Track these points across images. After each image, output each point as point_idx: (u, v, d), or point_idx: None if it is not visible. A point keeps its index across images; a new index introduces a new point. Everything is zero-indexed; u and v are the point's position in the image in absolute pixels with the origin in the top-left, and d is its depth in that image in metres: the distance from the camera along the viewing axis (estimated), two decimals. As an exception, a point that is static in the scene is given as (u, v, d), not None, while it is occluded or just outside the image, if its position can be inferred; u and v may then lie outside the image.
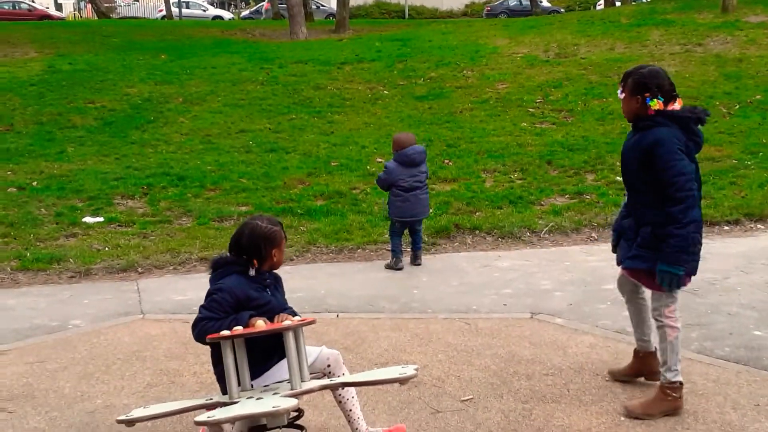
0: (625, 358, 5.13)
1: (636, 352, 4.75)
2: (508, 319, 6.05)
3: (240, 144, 13.13)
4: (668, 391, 4.32)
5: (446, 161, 11.70)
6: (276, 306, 3.84)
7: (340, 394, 3.94)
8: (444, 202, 9.62)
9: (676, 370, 4.32)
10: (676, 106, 4.29)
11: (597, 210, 9.18)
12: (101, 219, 9.25)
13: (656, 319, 4.37)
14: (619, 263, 4.57)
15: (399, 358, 5.31)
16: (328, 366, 3.92)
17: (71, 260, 7.76)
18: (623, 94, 4.34)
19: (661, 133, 4.19)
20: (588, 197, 9.79)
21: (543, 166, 11.26)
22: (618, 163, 11.25)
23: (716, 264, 7.17)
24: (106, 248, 8.18)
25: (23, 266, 7.62)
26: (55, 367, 5.26)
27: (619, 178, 10.65)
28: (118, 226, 9.10)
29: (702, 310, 6.11)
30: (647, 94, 4.23)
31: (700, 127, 4.38)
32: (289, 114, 15.07)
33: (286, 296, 4.12)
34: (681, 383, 4.35)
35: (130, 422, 3.70)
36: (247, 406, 3.37)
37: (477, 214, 9.21)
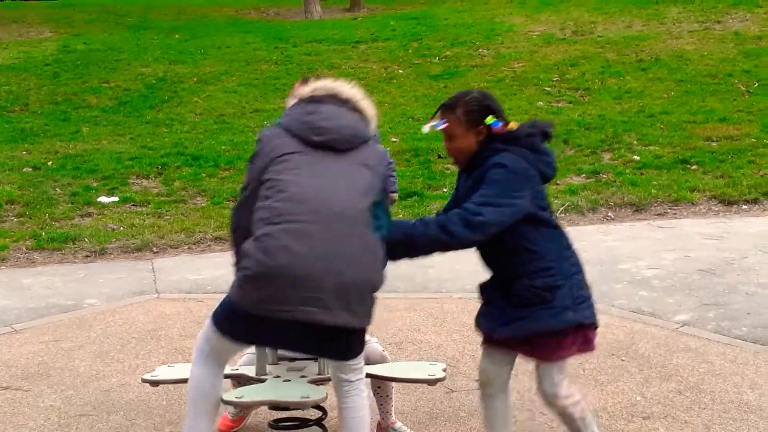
0: (641, 339, 5.10)
1: None
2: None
3: (254, 123, 13.09)
4: None
5: (461, 140, 11.63)
6: None
7: (378, 384, 3.85)
8: (459, 181, 9.56)
9: None
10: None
11: (613, 189, 9.10)
12: (116, 199, 9.27)
13: (558, 407, 3.39)
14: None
15: (414, 338, 5.29)
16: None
17: (86, 240, 7.78)
18: (445, 126, 3.26)
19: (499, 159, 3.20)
20: (604, 176, 9.71)
21: (559, 145, 11.16)
22: (636, 142, 11.21)
23: (734, 243, 7.10)
24: (121, 228, 8.20)
25: (39, 245, 7.65)
26: (71, 345, 5.28)
27: (637, 157, 10.60)
28: (133, 205, 9.11)
29: (719, 289, 6.05)
30: (491, 117, 3.24)
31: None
32: (304, 93, 15.00)
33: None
34: None
35: (155, 383, 3.72)
36: (277, 389, 3.34)
37: (492, 193, 9.15)
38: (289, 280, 2.82)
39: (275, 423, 3.62)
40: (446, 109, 3.26)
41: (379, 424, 3.95)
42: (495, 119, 3.21)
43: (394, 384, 3.89)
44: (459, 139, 3.25)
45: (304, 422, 3.55)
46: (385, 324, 5.51)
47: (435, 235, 3.10)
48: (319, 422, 3.54)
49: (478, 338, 5.18)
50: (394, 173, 5.15)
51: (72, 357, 5.08)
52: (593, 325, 3.26)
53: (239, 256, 2.95)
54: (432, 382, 3.63)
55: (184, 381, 3.53)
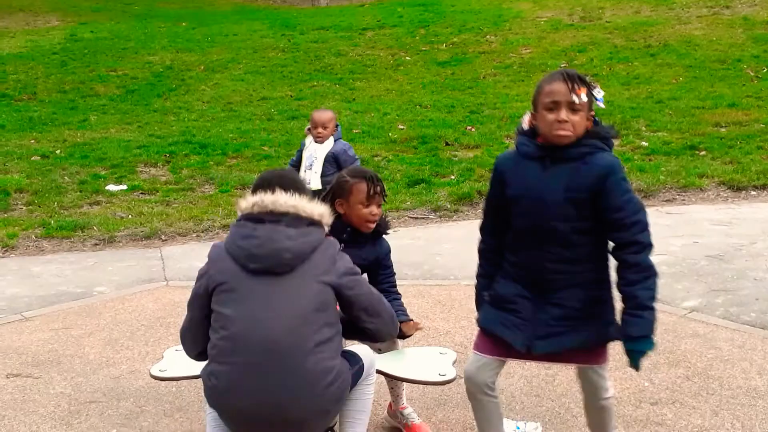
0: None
1: None
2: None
3: (261, 111, 13.10)
4: None
5: (469, 127, 11.61)
6: None
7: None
8: (467, 168, 9.56)
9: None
10: None
11: (621, 175, 9.07)
12: (124, 187, 9.30)
13: (605, 399, 3.26)
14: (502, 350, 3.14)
15: (422, 324, 5.29)
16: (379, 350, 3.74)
17: (95, 228, 7.80)
18: (583, 100, 2.97)
19: (612, 159, 3.03)
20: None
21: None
22: (644, 128, 11.16)
23: (743, 229, 7.08)
24: (130, 216, 8.22)
25: (48, 234, 7.68)
26: (80, 333, 5.30)
27: (645, 143, 10.55)
28: (141, 193, 9.13)
29: (728, 275, 6.04)
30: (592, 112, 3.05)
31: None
32: (311, 81, 15.00)
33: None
34: None
35: (162, 379, 3.73)
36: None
37: (500, 180, 9.14)
38: (241, 417, 2.95)
39: None
40: (575, 79, 2.98)
41: (390, 405, 3.96)
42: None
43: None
44: (582, 115, 2.97)
45: None
46: (393, 311, 5.52)
47: (648, 290, 2.93)
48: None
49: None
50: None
51: (82, 344, 5.10)
52: None
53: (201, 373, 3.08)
54: (442, 384, 3.58)
55: (192, 378, 3.54)
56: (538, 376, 4.46)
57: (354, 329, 3.18)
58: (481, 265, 3.38)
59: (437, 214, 8.22)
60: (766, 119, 11.09)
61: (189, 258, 6.97)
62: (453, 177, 9.33)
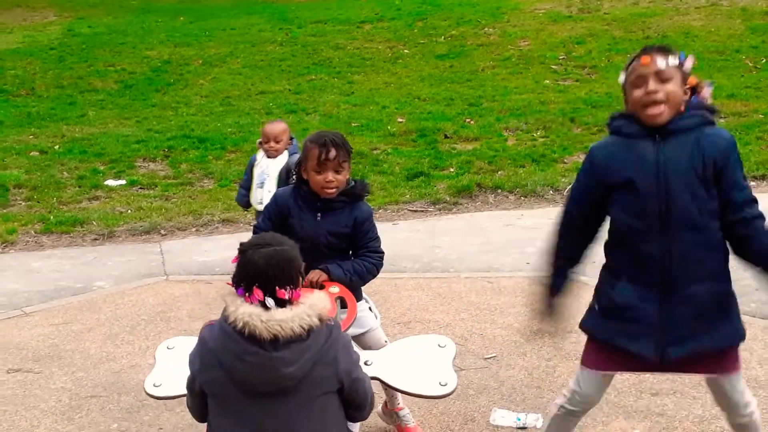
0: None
1: None
2: (531, 277, 6.01)
3: (260, 105, 13.07)
4: None
5: (468, 120, 11.59)
6: None
7: None
8: (466, 161, 9.55)
9: None
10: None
11: (621, 167, 9.07)
12: (123, 182, 9.29)
13: (747, 416, 2.99)
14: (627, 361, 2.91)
15: (422, 317, 5.30)
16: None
17: (94, 223, 7.80)
18: (673, 64, 2.77)
19: (728, 133, 2.84)
20: (611, 154, 9.67)
21: (566, 124, 11.13)
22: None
23: (742, 220, 7.08)
24: (129, 211, 8.21)
25: (47, 229, 7.67)
26: (81, 328, 5.31)
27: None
28: (140, 188, 9.12)
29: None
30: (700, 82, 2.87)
31: None
32: (309, 74, 14.97)
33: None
34: None
35: (158, 398, 3.56)
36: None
37: (499, 173, 9.14)
38: None
39: None
40: (661, 49, 2.80)
41: (384, 404, 3.92)
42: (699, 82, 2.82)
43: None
44: (675, 84, 2.76)
45: None
46: (393, 304, 5.52)
47: None
48: None
49: (486, 317, 5.21)
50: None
51: (82, 339, 5.11)
52: None
53: None
54: (444, 396, 3.37)
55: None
56: (539, 368, 4.46)
57: None
58: (556, 265, 3.13)
59: (436, 206, 8.21)
60: (765, 110, 11.08)
61: (188, 252, 6.97)
62: (452, 170, 9.32)
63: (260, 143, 5.83)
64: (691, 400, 4.00)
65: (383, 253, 3.68)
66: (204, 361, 2.66)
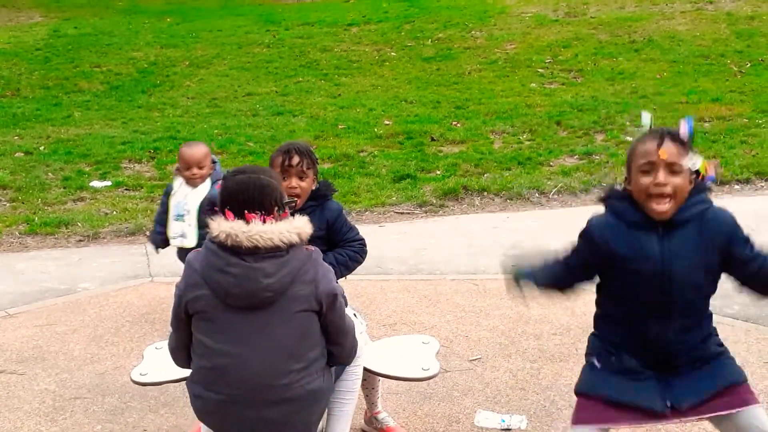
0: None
1: None
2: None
3: (247, 107, 13.06)
4: None
5: (454, 123, 11.62)
6: None
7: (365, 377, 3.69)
8: (452, 164, 9.57)
9: None
10: None
11: (606, 170, 9.12)
12: (109, 183, 9.26)
13: None
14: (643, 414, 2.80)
15: (408, 319, 5.31)
16: None
17: (79, 224, 7.76)
18: (685, 163, 2.72)
19: (724, 210, 2.87)
20: (597, 157, 9.72)
21: (552, 127, 11.17)
22: (629, 123, 11.20)
23: (726, 223, 7.12)
24: (114, 212, 8.18)
25: (32, 230, 7.63)
26: (65, 329, 5.28)
27: (630, 138, 10.55)
28: (126, 190, 9.09)
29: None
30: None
31: None
32: (296, 77, 14.96)
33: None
34: None
35: (143, 384, 3.63)
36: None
37: (485, 175, 9.16)
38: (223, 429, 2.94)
39: None
40: (675, 138, 2.72)
41: (365, 413, 3.91)
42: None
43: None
44: (685, 177, 2.70)
45: None
46: (379, 306, 5.53)
47: None
48: None
49: (471, 319, 5.23)
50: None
51: (66, 341, 5.08)
52: None
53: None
54: (426, 379, 3.56)
55: (175, 381, 3.50)
56: (523, 370, 4.48)
57: None
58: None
59: (423, 209, 8.22)
60: (750, 114, 11.16)
61: (173, 254, 6.93)
62: (439, 172, 9.34)
63: (178, 170, 5.06)
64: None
65: (363, 239, 3.75)
66: (190, 281, 2.83)
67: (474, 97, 13.01)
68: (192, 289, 2.81)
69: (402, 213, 8.12)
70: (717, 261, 2.77)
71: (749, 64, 13.87)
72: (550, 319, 5.16)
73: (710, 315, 2.90)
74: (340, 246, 3.68)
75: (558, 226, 7.35)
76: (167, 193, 5.12)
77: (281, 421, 2.86)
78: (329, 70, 15.39)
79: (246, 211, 2.76)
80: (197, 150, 4.97)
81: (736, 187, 8.59)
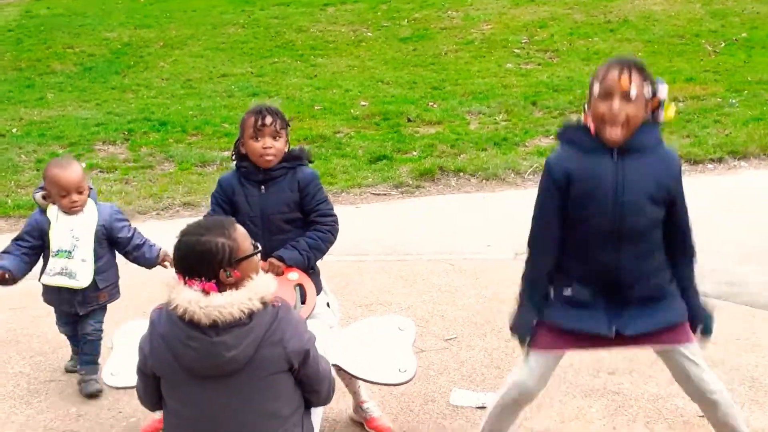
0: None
1: None
2: (491, 259, 6.06)
3: (222, 88, 12.97)
4: None
5: (431, 103, 11.60)
6: None
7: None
8: (428, 144, 9.56)
9: None
10: None
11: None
12: (83, 165, 9.16)
13: (715, 392, 3.08)
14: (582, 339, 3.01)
15: (384, 299, 5.32)
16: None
17: (53, 207, 7.69)
18: (638, 91, 2.81)
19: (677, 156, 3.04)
20: (572, 138, 9.74)
21: (528, 108, 11.18)
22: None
23: (700, 202, 7.17)
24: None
25: (4, 213, 7.57)
26: (39, 313, 5.22)
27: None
28: (100, 172, 9.03)
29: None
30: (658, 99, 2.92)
31: None
32: (272, 57, 14.86)
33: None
34: None
35: (116, 388, 3.55)
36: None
37: (461, 156, 9.17)
38: None
39: None
40: (633, 66, 2.84)
41: (353, 404, 3.86)
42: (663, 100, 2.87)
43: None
44: (638, 104, 2.82)
45: None
46: (356, 287, 5.54)
47: None
48: None
49: (447, 299, 5.25)
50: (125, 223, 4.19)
51: (40, 324, 5.05)
52: None
53: None
54: (402, 383, 3.43)
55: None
56: (498, 349, 4.51)
57: None
58: (531, 297, 3.05)
59: (399, 190, 8.23)
60: (723, 93, 11.22)
61: (148, 236, 6.90)
62: (415, 153, 9.33)
63: (46, 197, 4.13)
64: (647, 378, 4.07)
65: (335, 216, 3.70)
66: (153, 345, 2.72)
67: (450, 78, 12.99)
68: (156, 353, 2.72)
69: (378, 194, 8.12)
70: (664, 196, 2.89)
71: (723, 44, 13.93)
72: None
73: (662, 249, 2.96)
74: (312, 217, 3.61)
75: (533, 206, 7.39)
76: (37, 226, 4.16)
77: None
78: (305, 50, 15.30)
79: (186, 278, 2.67)
80: (73, 172, 4.06)
81: (710, 166, 8.65)
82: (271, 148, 3.51)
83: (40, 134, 10.32)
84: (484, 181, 8.43)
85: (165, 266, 4.34)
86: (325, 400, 2.98)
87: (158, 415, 3.68)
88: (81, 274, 4.12)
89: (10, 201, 7.83)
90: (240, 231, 2.76)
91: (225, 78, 13.67)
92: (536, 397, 3.15)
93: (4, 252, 4.16)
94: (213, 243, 2.66)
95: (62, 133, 10.35)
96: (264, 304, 2.67)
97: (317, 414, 3.14)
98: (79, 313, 4.22)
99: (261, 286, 2.68)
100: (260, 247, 2.85)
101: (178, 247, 2.72)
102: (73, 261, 4.09)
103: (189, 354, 2.64)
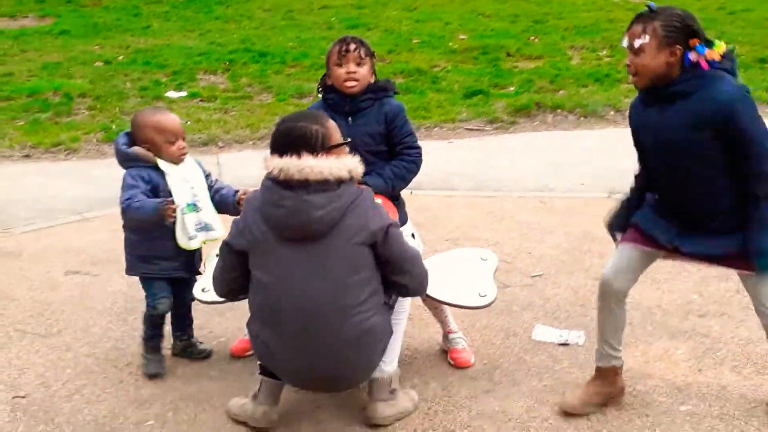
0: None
1: (604, 370, 3.33)
2: (584, 198, 5.96)
3: (322, 20, 12.99)
4: None
5: (532, 38, 11.35)
6: None
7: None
8: (527, 80, 9.38)
9: None
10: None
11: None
12: (184, 93, 9.39)
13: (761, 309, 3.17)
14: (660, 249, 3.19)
15: (471, 234, 5.31)
16: None
17: (155, 133, 7.92)
18: (642, 41, 2.92)
19: (732, 89, 2.90)
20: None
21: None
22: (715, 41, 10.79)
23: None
24: (188, 122, 8.31)
25: (109, 138, 7.81)
26: (137, 234, 5.43)
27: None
28: (201, 101, 9.22)
29: None
30: (695, 41, 2.91)
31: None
32: (373, -9, 14.77)
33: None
34: None
35: (207, 303, 3.65)
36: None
37: (560, 92, 8.97)
38: (290, 376, 3.09)
39: None
40: (643, 19, 2.94)
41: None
42: (700, 44, 2.90)
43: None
44: (648, 55, 2.92)
45: None
46: (443, 221, 5.53)
47: None
48: None
49: (536, 236, 5.20)
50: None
51: (139, 245, 5.23)
52: None
53: None
54: (482, 307, 3.50)
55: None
56: (585, 287, 4.45)
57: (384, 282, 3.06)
58: (627, 200, 3.36)
59: (493, 125, 8.12)
60: None
61: (245, 165, 7.04)
62: (512, 88, 9.17)
63: (150, 147, 3.61)
64: (738, 322, 3.95)
65: (420, 148, 3.69)
66: (248, 218, 2.97)
67: (554, 11, 12.67)
68: (248, 225, 2.95)
69: (472, 129, 8.04)
70: (708, 136, 2.90)
71: None
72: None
73: (733, 189, 2.98)
74: (398, 148, 3.63)
75: (632, 145, 7.18)
76: (150, 180, 3.60)
77: (338, 359, 2.94)
78: (407, -18, 15.13)
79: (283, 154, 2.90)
80: (175, 117, 3.79)
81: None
82: (355, 72, 3.52)
83: (145, 62, 10.59)
84: (582, 118, 8.23)
85: (239, 204, 3.67)
86: (419, 286, 3.12)
87: (245, 335, 3.85)
88: (216, 223, 3.72)
89: (114, 126, 8.09)
90: (332, 123, 3.03)
91: (326, 9, 13.69)
92: (615, 292, 3.21)
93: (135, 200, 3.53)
94: (308, 128, 2.91)
95: (166, 62, 10.59)
96: (351, 176, 2.90)
97: (400, 325, 3.25)
98: (193, 274, 3.76)
99: (351, 163, 2.92)
100: (350, 140, 3.11)
101: (276, 131, 2.98)
102: (203, 212, 3.68)
103: (280, 213, 2.87)
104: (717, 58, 2.93)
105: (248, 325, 3.09)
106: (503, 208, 5.77)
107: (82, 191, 6.44)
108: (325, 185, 2.84)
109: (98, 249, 5.19)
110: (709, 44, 2.94)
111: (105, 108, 8.82)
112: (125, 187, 3.61)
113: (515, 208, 5.76)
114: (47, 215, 5.93)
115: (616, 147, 7.13)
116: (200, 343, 3.92)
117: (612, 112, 8.26)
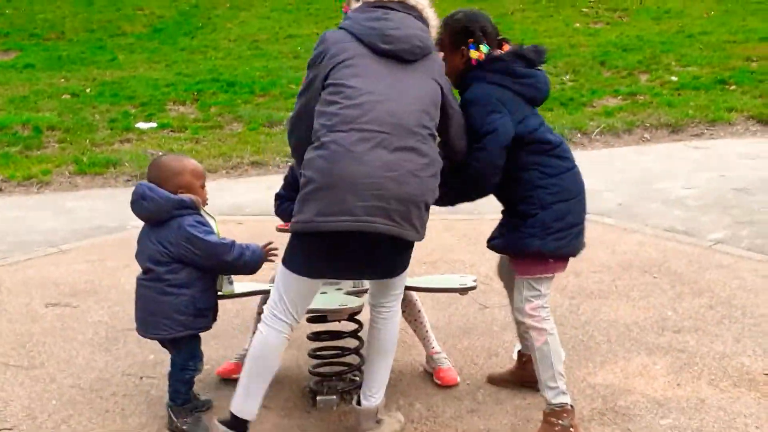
0: (674, 257, 5.14)
1: (520, 355, 3.69)
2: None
3: (288, 49, 13.08)
4: (552, 419, 3.17)
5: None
6: None
7: (409, 308, 3.82)
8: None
9: (556, 387, 3.18)
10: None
11: (650, 110, 9.02)
12: (154, 125, 9.40)
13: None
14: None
15: (448, 257, 5.39)
16: None
17: (127, 164, 7.93)
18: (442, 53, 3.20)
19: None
20: (641, 98, 9.62)
21: (596, 67, 11.04)
22: (674, 63, 11.02)
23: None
24: (160, 153, 8.32)
25: (80, 170, 7.82)
26: (116, 264, 5.44)
27: (675, 78, 10.43)
28: (171, 131, 9.24)
29: (754, 207, 6.06)
30: (470, 41, 3.17)
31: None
32: (338, 18, 14.85)
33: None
34: (569, 406, 3.18)
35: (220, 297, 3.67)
36: (316, 300, 3.25)
37: (527, 116, 9.11)
38: (353, 187, 2.75)
39: (313, 352, 3.68)
40: (442, 27, 3.20)
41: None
42: (473, 44, 3.16)
43: (425, 305, 3.94)
44: (447, 59, 3.18)
45: (341, 348, 3.66)
46: (420, 244, 5.57)
47: None
48: (355, 334, 3.65)
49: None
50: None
51: (117, 275, 5.25)
52: (561, 257, 3.34)
53: (303, 169, 2.88)
54: (463, 291, 3.79)
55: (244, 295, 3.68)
56: (563, 306, 4.54)
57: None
58: None
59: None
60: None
61: (219, 193, 7.06)
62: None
63: (184, 192, 3.44)
64: (713, 337, 4.06)
65: None
66: (332, 38, 2.94)
67: (517, 38, 12.86)
68: (336, 43, 2.92)
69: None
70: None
71: (801, 2, 13.51)
72: (590, 257, 5.18)
73: (514, 185, 3.41)
74: None
75: (600, 166, 7.34)
76: (205, 226, 3.48)
77: (409, 172, 2.84)
78: (370, 11, 15.30)
79: None
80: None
81: (782, 127, 8.47)
82: None
83: (113, 94, 10.59)
84: (549, 141, 8.37)
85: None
86: (460, 151, 3.19)
87: (233, 358, 3.91)
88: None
89: (85, 158, 8.09)
90: None
91: (291, 39, 13.78)
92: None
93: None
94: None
95: (134, 93, 10.59)
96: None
97: (389, 355, 3.31)
98: None
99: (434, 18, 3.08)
100: None
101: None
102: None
103: (386, 24, 2.91)
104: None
105: (310, 149, 2.86)
106: (478, 231, 5.85)
107: (56, 223, 6.43)
108: (422, 19, 2.99)
109: (77, 280, 5.19)
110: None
111: (75, 140, 8.81)
112: (211, 240, 3.36)
113: (490, 231, 5.82)
114: (23, 248, 5.91)
115: (585, 169, 7.27)
116: (199, 394, 3.68)
117: (579, 135, 8.41)
